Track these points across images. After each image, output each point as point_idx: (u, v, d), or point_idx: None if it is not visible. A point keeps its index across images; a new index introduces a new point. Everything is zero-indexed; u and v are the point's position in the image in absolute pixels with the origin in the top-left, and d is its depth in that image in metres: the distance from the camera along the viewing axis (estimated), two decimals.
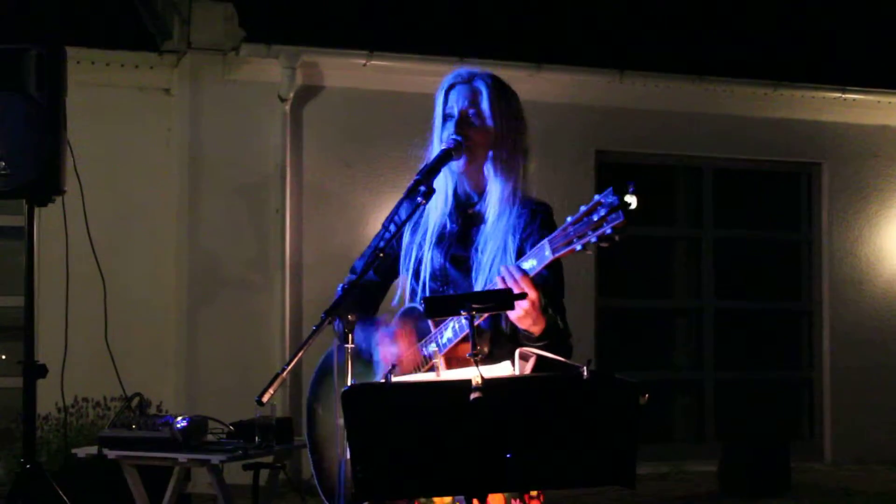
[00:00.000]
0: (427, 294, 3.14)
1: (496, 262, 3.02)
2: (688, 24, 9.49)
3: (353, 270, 3.34)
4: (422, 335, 3.08)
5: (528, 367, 2.81)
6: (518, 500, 2.92)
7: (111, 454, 4.68)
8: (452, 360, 2.91)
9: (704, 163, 9.49)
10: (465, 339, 2.90)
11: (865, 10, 10.06)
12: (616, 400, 2.47)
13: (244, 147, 8.15)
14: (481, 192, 3.18)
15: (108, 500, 5.51)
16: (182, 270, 8.06)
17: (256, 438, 4.76)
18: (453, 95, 3.17)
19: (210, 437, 4.85)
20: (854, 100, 9.42)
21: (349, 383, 2.86)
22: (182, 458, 4.63)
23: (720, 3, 9.75)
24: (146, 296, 7.95)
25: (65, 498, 4.50)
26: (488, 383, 2.39)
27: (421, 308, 2.98)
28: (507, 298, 2.70)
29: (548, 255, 2.77)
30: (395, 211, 3.13)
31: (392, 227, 3.16)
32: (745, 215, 9.72)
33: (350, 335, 2.94)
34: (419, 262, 3.19)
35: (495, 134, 3.13)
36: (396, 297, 3.30)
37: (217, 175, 8.07)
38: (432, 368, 2.98)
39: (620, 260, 8.83)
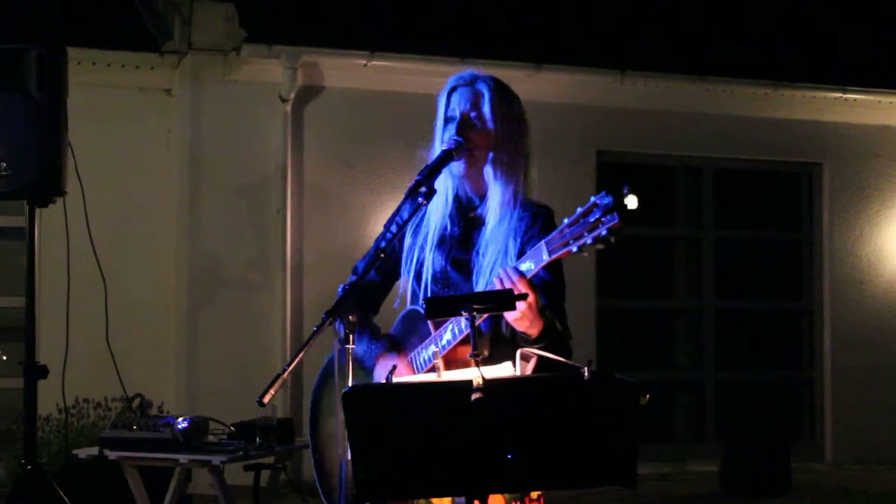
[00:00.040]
0: (428, 296, 3.14)
1: (497, 266, 3.03)
2: (688, 24, 9.49)
3: (354, 271, 3.34)
4: (422, 338, 3.09)
5: (529, 368, 2.81)
6: (518, 502, 2.92)
7: (112, 455, 4.68)
8: (452, 362, 2.92)
9: (705, 163, 9.49)
10: (464, 342, 2.91)
11: (865, 10, 10.06)
12: (617, 400, 2.47)
13: (245, 147, 8.15)
14: (482, 196, 3.18)
15: (109, 500, 5.51)
16: (183, 271, 8.06)
17: (257, 439, 4.76)
18: (455, 98, 3.18)
19: (211, 438, 4.85)
20: (855, 100, 9.42)
21: (350, 384, 2.86)
22: (183, 458, 4.63)
23: (720, 3, 9.75)
24: (147, 296, 7.96)
25: (66, 499, 4.51)
26: (489, 384, 2.40)
27: (422, 310, 2.98)
28: (507, 299, 2.70)
29: (544, 256, 2.78)
30: (397, 212, 3.14)
31: (393, 228, 3.17)
32: (746, 215, 9.71)
33: (351, 336, 2.95)
34: (420, 264, 3.19)
35: (496, 136, 3.13)
36: (398, 300, 3.31)
37: (218, 175, 8.07)
38: (433, 369, 2.98)
39: (621, 260, 8.83)
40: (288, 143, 8.13)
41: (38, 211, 4.71)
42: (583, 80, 8.78)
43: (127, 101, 8.14)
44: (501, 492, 2.81)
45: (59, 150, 4.58)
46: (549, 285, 3.00)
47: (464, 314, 2.62)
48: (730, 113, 9.23)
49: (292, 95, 8.14)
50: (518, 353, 2.79)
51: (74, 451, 5.02)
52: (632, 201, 2.60)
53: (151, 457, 4.67)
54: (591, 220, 2.65)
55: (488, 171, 3.14)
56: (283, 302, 8.01)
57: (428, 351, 3.05)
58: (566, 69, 8.66)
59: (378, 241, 3.24)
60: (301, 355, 2.89)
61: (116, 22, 8.40)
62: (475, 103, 3.15)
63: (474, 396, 2.39)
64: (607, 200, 2.61)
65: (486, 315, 2.80)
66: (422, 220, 3.21)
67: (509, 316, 2.84)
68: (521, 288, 2.77)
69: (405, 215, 3.15)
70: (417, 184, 3.01)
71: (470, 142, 3.11)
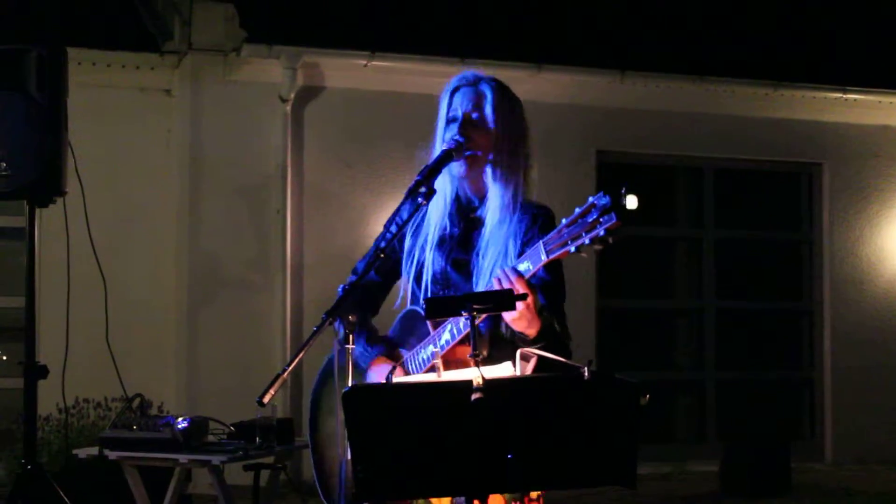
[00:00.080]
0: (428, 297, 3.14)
1: (497, 267, 3.02)
2: (688, 24, 9.49)
3: (354, 271, 3.34)
4: (420, 338, 3.09)
5: (529, 368, 2.81)
6: (518, 502, 2.92)
7: (112, 455, 4.68)
8: (451, 363, 2.91)
9: (705, 163, 9.49)
10: (462, 342, 2.91)
11: (865, 10, 10.06)
12: (617, 400, 2.47)
13: (245, 148, 8.15)
14: (482, 197, 3.18)
15: (109, 500, 5.51)
16: (183, 271, 8.06)
17: (257, 439, 4.76)
18: (457, 98, 3.18)
19: (211, 438, 4.84)
20: (855, 100, 9.42)
21: (350, 384, 2.86)
22: (183, 458, 4.63)
23: (720, 3, 9.75)
24: (147, 296, 7.96)
25: (66, 499, 4.50)
26: (489, 384, 2.40)
27: (421, 310, 2.98)
28: (507, 299, 2.70)
29: (542, 257, 2.77)
30: (397, 212, 3.15)
31: (393, 228, 3.17)
32: (746, 215, 9.71)
33: (350, 336, 2.95)
34: (420, 265, 3.19)
35: (497, 137, 3.13)
36: (398, 300, 3.31)
37: (218, 176, 8.07)
38: (432, 369, 2.98)
39: (621, 260, 8.83)
40: (288, 144, 8.13)
41: (38, 211, 4.70)
42: (583, 81, 8.78)
43: (127, 101, 8.15)
44: (501, 492, 2.81)
45: (59, 150, 4.58)
46: (548, 286, 3.00)
47: (463, 314, 2.62)
48: (730, 113, 9.23)
49: (292, 96, 8.14)
50: (518, 353, 2.79)
51: (74, 451, 5.02)
52: (632, 201, 2.59)
53: (151, 457, 4.67)
54: (589, 220, 2.64)
55: (488, 172, 3.14)
56: (283, 302, 8.01)
57: (426, 351, 3.05)
58: (566, 69, 8.66)
59: (378, 241, 3.24)
60: (301, 355, 2.89)
61: (116, 22, 8.40)
62: (478, 104, 3.15)
63: (474, 396, 2.38)
64: (605, 201, 2.61)
65: (485, 315, 2.80)
66: (422, 220, 3.21)
67: (507, 316, 2.84)
68: (520, 288, 2.77)
69: (405, 215, 3.15)
70: (417, 184, 3.01)
71: (471, 142, 3.11)
